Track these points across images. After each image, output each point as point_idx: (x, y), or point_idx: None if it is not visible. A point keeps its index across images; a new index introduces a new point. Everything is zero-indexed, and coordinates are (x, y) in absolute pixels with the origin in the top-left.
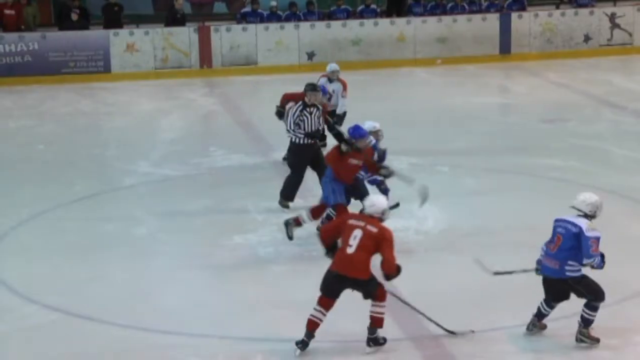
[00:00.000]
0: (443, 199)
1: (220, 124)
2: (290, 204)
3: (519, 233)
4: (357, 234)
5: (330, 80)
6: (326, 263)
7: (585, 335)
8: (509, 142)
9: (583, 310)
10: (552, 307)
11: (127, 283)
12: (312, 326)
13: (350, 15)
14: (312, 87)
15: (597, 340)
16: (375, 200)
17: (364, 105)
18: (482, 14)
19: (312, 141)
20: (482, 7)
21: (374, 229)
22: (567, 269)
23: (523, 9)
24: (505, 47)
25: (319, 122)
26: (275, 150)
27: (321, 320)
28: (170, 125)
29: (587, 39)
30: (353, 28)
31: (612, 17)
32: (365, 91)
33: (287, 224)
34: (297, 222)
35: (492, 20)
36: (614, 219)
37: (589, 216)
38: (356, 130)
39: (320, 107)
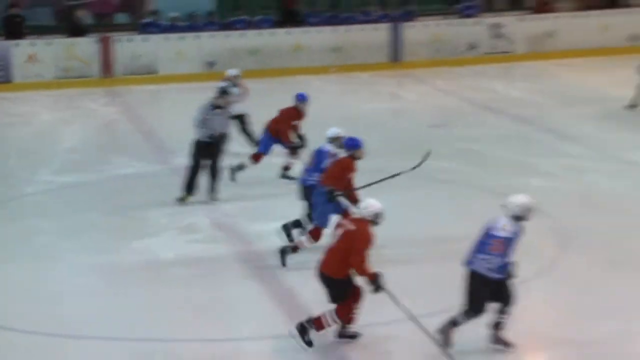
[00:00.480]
0: None
1: (122, 133)
2: (191, 198)
3: (413, 230)
4: (339, 232)
5: (233, 85)
6: (227, 267)
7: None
8: (401, 146)
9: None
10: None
11: (28, 290)
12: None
13: (248, 25)
14: (222, 91)
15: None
16: (369, 202)
17: (261, 114)
18: (374, 24)
19: (213, 141)
20: (374, 17)
21: (352, 227)
22: (472, 261)
23: (411, 19)
24: (396, 55)
25: (222, 124)
26: (176, 157)
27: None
28: (72, 134)
29: (472, 47)
30: (251, 38)
31: (495, 27)
32: (262, 99)
33: (283, 251)
34: (295, 249)
35: (384, 29)
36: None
37: (519, 218)
38: (353, 141)
39: (228, 111)
